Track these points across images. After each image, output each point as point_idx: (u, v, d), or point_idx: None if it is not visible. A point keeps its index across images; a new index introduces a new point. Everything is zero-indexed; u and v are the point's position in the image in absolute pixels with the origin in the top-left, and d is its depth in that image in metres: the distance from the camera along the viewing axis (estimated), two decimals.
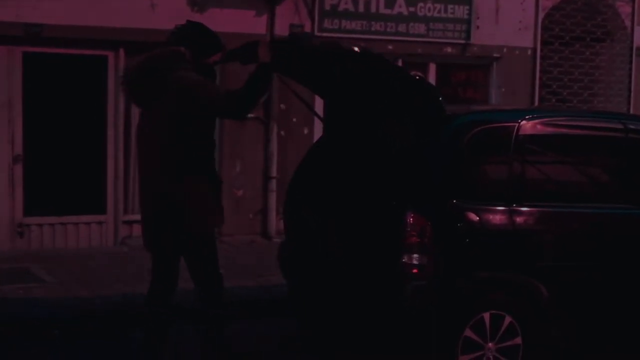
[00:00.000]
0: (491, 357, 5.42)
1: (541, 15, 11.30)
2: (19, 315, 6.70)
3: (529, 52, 11.30)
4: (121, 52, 9.31)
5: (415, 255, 5.23)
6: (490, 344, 5.41)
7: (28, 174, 9.08)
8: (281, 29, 9.83)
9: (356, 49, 5.54)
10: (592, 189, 6.08)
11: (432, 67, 10.82)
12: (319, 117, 7.30)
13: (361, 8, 10.28)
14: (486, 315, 5.39)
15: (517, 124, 5.64)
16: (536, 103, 11.28)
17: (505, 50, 11.17)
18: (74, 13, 8.91)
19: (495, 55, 11.15)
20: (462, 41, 10.88)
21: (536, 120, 5.77)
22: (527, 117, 5.76)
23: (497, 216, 5.46)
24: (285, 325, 6.86)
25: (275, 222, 9.98)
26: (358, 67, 5.60)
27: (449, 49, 10.89)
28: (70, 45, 9.08)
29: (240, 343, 6.08)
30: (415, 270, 5.24)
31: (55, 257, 8.71)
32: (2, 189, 9.00)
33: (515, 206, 5.50)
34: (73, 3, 8.90)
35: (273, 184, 10.04)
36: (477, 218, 5.39)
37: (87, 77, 9.37)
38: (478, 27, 10.93)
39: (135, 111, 9.51)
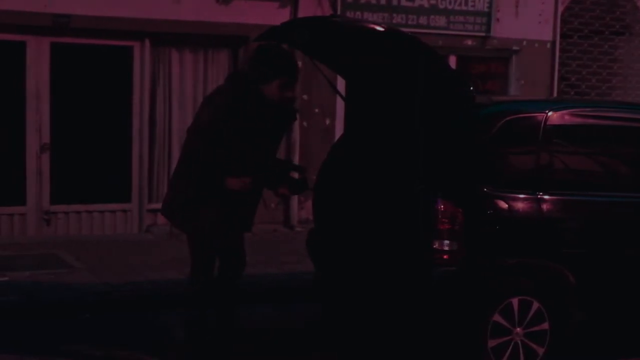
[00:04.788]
0: (519, 341, 5.53)
1: (560, 9, 11.38)
2: (52, 298, 6.83)
3: (548, 45, 11.37)
4: (147, 42, 9.45)
5: (446, 242, 5.33)
6: (518, 329, 5.51)
7: (55, 162, 9.22)
8: None
9: (379, 28, 5.50)
10: (617, 178, 6.18)
11: (453, 60, 10.89)
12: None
13: (383, 0, 10.37)
14: (514, 301, 5.49)
15: (545, 114, 5.74)
16: (555, 95, 11.36)
17: (524, 43, 11.24)
18: (101, 4, 9.04)
19: (514, 48, 11.23)
20: (482, 34, 10.96)
21: (564, 111, 5.87)
22: (554, 107, 5.88)
23: (525, 204, 5.55)
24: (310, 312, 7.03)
25: (297, 212, 10.11)
26: (386, 49, 5.62)
27: (469, 42, 10.97)
28: (97, 35, 9.21)
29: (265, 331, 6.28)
30: (445, 256, 5.34)
31: (81, 244, 8.84)
32: (29, 178, 9.13)
33: (543, 194, 5.59)
34: None
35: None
36: (507, 205, 5.48)
37: (113, 68, 9.49)
38: (498, 20, 11.01)
39: (160, 102, 9.68)
